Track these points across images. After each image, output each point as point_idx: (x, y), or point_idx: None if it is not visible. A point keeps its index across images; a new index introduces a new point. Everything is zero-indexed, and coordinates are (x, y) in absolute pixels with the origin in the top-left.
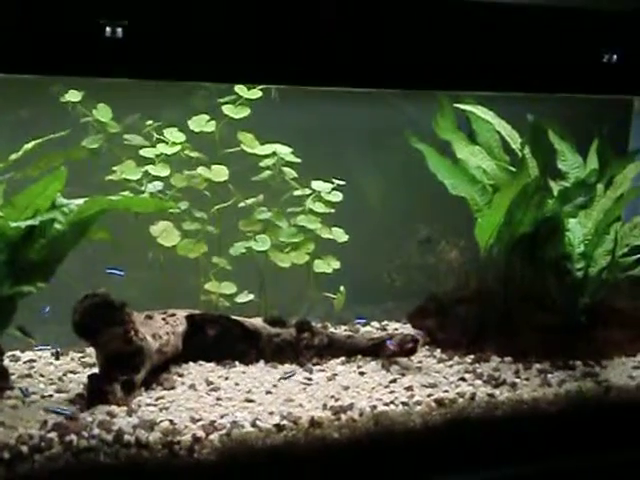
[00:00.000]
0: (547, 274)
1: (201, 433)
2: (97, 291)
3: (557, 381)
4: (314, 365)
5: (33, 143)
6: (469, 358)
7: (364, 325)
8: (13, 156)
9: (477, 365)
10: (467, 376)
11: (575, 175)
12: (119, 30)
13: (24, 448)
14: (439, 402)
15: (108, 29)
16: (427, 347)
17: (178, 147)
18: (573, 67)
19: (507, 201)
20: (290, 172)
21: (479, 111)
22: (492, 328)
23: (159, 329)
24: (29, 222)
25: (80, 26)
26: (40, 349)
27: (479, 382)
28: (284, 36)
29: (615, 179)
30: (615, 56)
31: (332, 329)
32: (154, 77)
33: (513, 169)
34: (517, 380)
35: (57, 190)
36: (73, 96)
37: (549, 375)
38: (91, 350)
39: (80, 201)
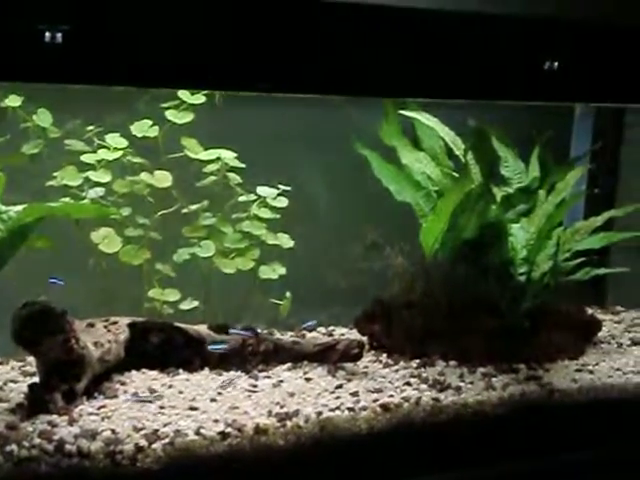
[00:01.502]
0: (490, 279)
1: (144, 442)
2: (37, 299)
3: (501, 385)
4: (260, 372)
5: None
6: (414, 362)
7: (311, 330)
8: None
9: (422, 369)
10: (412, 380)
11: (517, 181)
12: (59, 35)
13: None
14: (384, 407)
15: (48, 34)
16: (373, 352)
17: (120, 153)
18: (514, 74)
19: (451, 206)
20: (235, 178)
21: (423, 117)
22: (437, 332)
23: (101, 337)
24: None
25: (19, 31)
26: None
27: (424, 386)
28: (227, 41)
29: (557, 185)
30: (556, 63)
31: (278, 335)
32: (95, 82)
33: (457, 175)
34: (462, 384)
35: None
36: (13, 101)
37: (493, 379)
38: (32, 359)
39: (19, 208)
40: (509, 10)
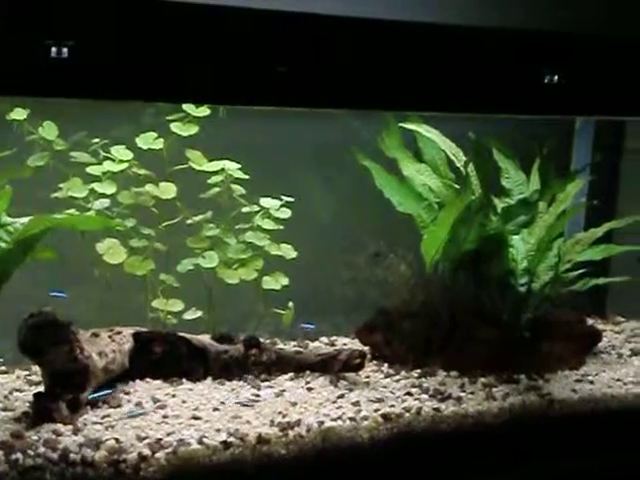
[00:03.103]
0: (491, 289)
1: (147, 451)
2: (42, 309)
3: (501, 395)
4: (262, 381)
5: None
6: (416, 373)
7: (309, 339)
8: None
9: (423, 380)
10: (413, 390)
11: (518, 192)
12: (65, 50)
13: None
14: (386, 417)
15: (54, 49)
16: (375, 362)
17: (125, 164)
18: (515, 88)
19: (451, 218)
20: (238, 189)
21: (423, 130)
22: (438, 343)
23: (105, 347)
24: None
25: (26, 46)
26: None
27: (425, 396)
28: (230, 54)
29: (557, 196)
30: (556, 77)
31: (281, 345)
32: (100, 96)
33: (458, 187)
34: (462, 394)
35: (1, 209)
36: (18, 114)
37: (494, 389)
38: (37, 368)
39: (25, 219)
40: (509, 24)
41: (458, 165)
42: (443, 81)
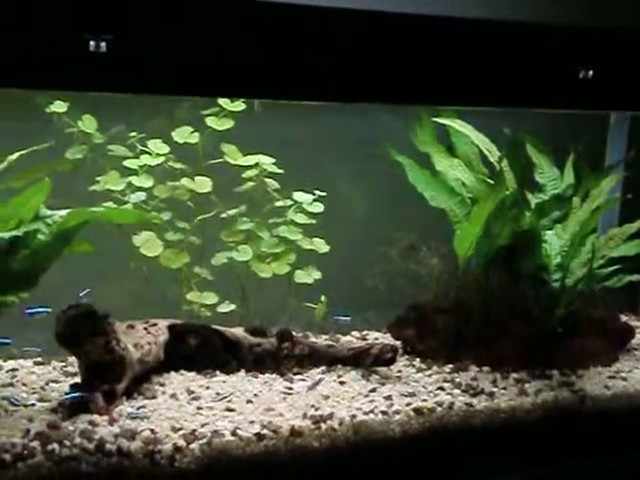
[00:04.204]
0: (524, 285)
1: (182, 442)
2: (80, 301)
3: (534, 390)
4: (295, 374)
5: (17, 154)
6: (448, 367)
7: (341, 333)
8: None
9: (455, 374)
10: (445, 385)
11: (552, 187)
12: (103, 44)
13: (7, 456)
14: (418, 411)
15: (92, 43)
16: (407, 357)
17: (162, 158)
18: (550, 83)
19: (485, 213)
20: (272, 183)
21: (457, 125)
22: (470, 338)
23: (141, 339)
24: (13, 233)
25: (65, 40)
26: (27, 351)
27: (457, 391)
28: (267, 51)
29: (591, 192)
30: (591, 72)
31: (313, 338)
32: (138, 90)
33: (491, 181)
34: (495, 389)
35: (41, 201)
36: (59, 107)
37: (526, 384)
38: (73, 359)
39: (63, 212)
40: (545, 19)
41: (492, 160)
42: (478, 75)
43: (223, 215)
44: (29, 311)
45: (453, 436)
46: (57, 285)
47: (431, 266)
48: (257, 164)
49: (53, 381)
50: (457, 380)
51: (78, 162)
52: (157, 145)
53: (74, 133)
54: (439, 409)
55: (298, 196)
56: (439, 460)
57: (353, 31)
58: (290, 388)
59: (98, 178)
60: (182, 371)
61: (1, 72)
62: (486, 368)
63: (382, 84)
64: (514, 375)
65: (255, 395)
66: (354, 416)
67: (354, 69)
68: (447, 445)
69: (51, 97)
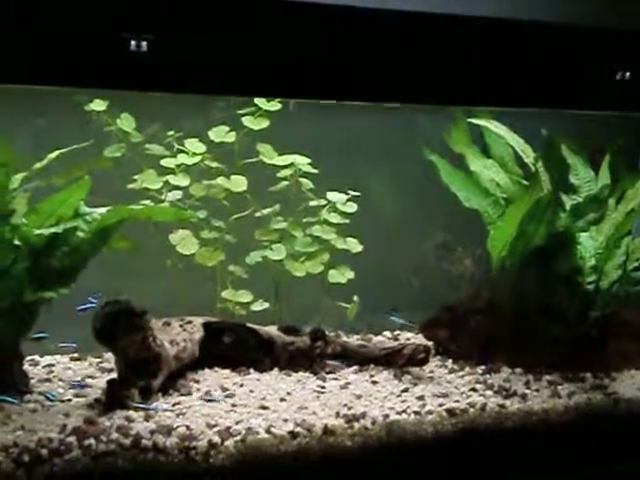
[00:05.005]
0: (558, 287)
1: (217, 439)
2: (118, 298)
3: (567, 393)
4: (327, 373)
5: (57, 152)
6: (480, 369)
7: (373, 333)
8: (37, 165)
9: (488, 376)
10: (478, 387)
11: (587, 189)
12: (144, 44)
13: (44, 451)
14: (450, 412)
15: (133, 42)
16: (439, 357)
17: (199, 157)
18: (586, 84)
19: (520, 214)
20: (307, 183)
21: (492, 125)
22: (503, 339)
23: (176, 336)
24: (53, 230)
25: (105, 39)
26: (63, 347)
27: (490, 393)
28: (302, 51)
29: (626, 194)
30: (628, 73)
31: (345, 338)
32: (178, 90)
33: (526, 182)
34: (527, 391)
35: (80, 199)
36: (97, 105)
37: (559, 387)
38: (109, 355)
39: (102, 210)
40: (582, 20)
41: (526, 161)
42: (516, 76)
43: (258, 214)
44: (82, 307)
45: (485, 437)
46: (94, 282)
47: (464, 266)
48: (292, 164)
49: (89, 377)
50: (489, 381)
51: (116, 160)
52: (194, 144)
53: (112, 131)
54: (472, 410)
55: (332, 196)
56: (471, 461)
57: (395, 32)
58: (323, 387)
59: (135, 176)
60: (216, 368)
61: (43, 70)
62: (519, 370)
63: (420, 84)
64: (547, 377)
65: (288, 393)
66: (387, 416)
67: (393, 69)
68: (480, 446)
69: (90, 96)
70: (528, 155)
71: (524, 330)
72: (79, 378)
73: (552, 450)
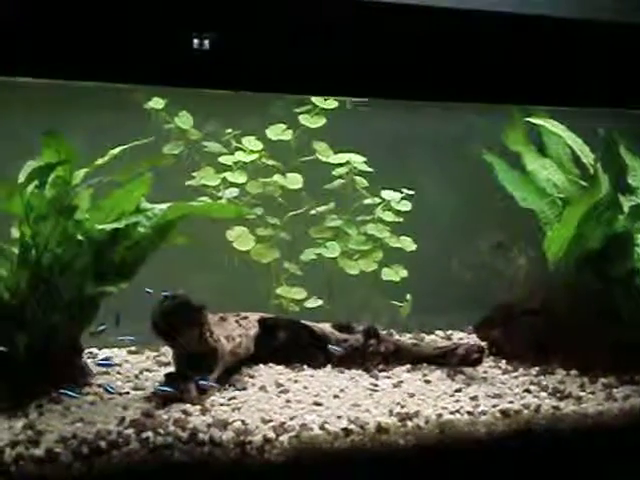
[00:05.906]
0: (615, 289)
1: (271, 434)
2: (176, 293)
3: (622, 396)
4: (380, 371)
5: (119, 149)
6: (534, 370)
7: (425, 332)
8: (99, 161)
9: (542, 377)
10: (532, 388)
11: None
12: (206, 42)
13: (102, 443)
14: (504, 413)
15: (195, 41)
16: (492, 358)
17: (256, 155)
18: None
19: (578, 215)
20: (362, 181)
21: (549, 124)
22: (558, 341)
23: (232, 331)
24: (114, 225)
25: (168, 37)
26: (122, 340)
27: (544, 394)
28: (357, 52)
29: None
30: None
31: (397, 336)
32: (240, 88)
33: (584, 183)
34: (582, 394)
35: (142, 194)
36: (156, 103)
37: (614, 390)
38: (166, 349)
39: (163, 206)
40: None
41: (584, 161)
42: (577, 75)
43: (313, 212)
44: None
45: (540, 439)
46: (152, 276)
47: (519, 266)
48: (347, 162)
49: (147, 370)
50: (544, 383)
51: (175, 157)
52: (251, 142)
53: (170, 129)
54: (526, 412)
55: (386, 194)
56: (526, 463)
57: (454, 30)
58: (376, 385)
59: (193, 173)
60: (271, 364)
61: (106, 68)
62: (574, 372)
63: (481, 83)
64: (602, 380)
65: (342, 390)
66: (440, 415)
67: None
68: (534, 448)
69: (149, 94)
70: (586, 155)
71: (579, 332)
72: (136, 371)
73: (607, 453)
